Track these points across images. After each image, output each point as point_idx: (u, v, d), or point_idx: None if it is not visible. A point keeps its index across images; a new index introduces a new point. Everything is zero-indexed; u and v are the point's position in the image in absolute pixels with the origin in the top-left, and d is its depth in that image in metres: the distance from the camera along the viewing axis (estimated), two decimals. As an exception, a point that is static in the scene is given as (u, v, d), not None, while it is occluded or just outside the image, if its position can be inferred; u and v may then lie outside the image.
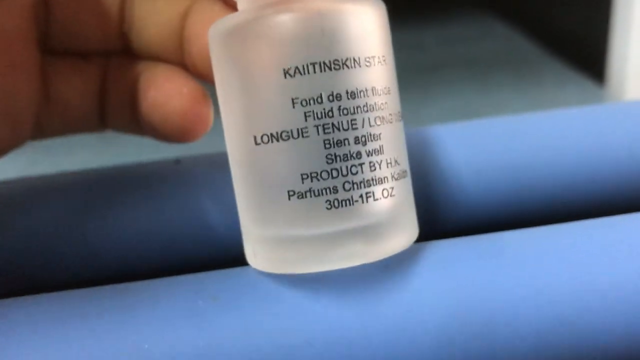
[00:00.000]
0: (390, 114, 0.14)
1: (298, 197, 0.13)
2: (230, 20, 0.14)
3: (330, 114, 0.13)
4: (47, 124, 0.19)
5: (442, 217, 0.20)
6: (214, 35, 0.15)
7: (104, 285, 0.16)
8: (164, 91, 0.18)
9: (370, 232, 0.14)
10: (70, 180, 0.20)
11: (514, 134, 0.21)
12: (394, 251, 0.14)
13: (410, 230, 0.15)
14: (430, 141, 0.20)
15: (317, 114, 0.13)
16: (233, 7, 0.16)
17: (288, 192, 0.14)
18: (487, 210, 0.20)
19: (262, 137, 0.14)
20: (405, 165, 0.15)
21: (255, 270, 0.15)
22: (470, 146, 0.20)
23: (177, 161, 0.20)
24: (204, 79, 0.18)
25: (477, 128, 0.21)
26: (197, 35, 0.17)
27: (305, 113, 0.13)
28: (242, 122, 0.14)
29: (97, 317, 0.15)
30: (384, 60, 0.14)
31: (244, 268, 0.16)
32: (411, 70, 0.47)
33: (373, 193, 0.14)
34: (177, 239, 0.20)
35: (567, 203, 0.21)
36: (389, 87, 0.14)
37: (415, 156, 0.20)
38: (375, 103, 0.14)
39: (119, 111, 0.19)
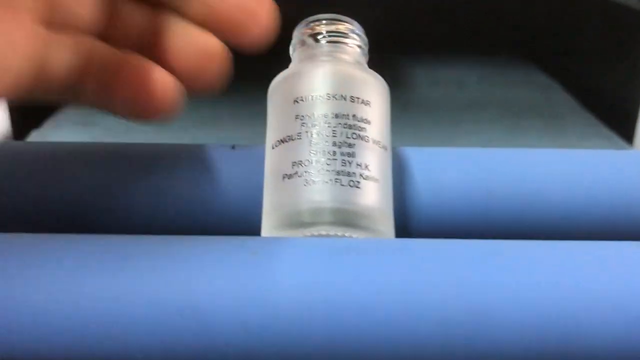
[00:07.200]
0: None
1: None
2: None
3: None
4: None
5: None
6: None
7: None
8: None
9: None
10: (135, 149, 0.24)
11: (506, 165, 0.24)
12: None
13: None
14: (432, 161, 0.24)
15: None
16: None
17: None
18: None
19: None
20: None
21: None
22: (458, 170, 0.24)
23: (233, 147, 0.23)
24: None
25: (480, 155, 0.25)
26: None
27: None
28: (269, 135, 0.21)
29: (149, 260, 0.18)
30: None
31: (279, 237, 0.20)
32: (448, 105, 0.50)
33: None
34: (232, 212, 0.23)
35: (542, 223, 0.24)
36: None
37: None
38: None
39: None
